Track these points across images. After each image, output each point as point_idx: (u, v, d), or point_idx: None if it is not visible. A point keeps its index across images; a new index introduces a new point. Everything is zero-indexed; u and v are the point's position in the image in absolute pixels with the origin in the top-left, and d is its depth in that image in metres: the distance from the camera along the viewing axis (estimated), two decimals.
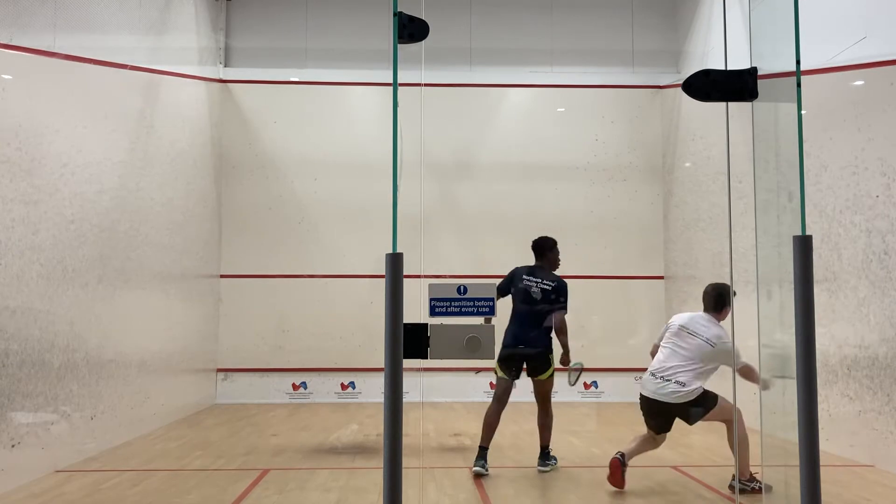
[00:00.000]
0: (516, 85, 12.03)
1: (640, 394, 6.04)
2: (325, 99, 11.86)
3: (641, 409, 6.04)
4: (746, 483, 5.72)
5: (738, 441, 5.54)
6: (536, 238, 7.13)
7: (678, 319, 6.20)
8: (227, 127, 11.65)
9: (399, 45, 2.56)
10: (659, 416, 5.92)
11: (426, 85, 10.73)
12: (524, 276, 6.88)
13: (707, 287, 6.25)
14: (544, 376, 6.83)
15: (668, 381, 5.87)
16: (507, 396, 6.82)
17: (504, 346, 6.78)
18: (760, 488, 5.51)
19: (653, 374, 5.98)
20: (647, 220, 11.86)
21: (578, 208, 11.79)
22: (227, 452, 7.50)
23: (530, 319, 6.73)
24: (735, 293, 5.58)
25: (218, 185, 11.42)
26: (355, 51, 11.72)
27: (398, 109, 2.64)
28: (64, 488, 6.00)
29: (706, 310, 6.15)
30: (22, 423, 6.12)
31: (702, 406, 5.84)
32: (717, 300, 6.12)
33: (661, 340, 6.20)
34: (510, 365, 6.74)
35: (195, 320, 10.56)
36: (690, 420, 5.91)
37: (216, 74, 11.53)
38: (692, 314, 6.22)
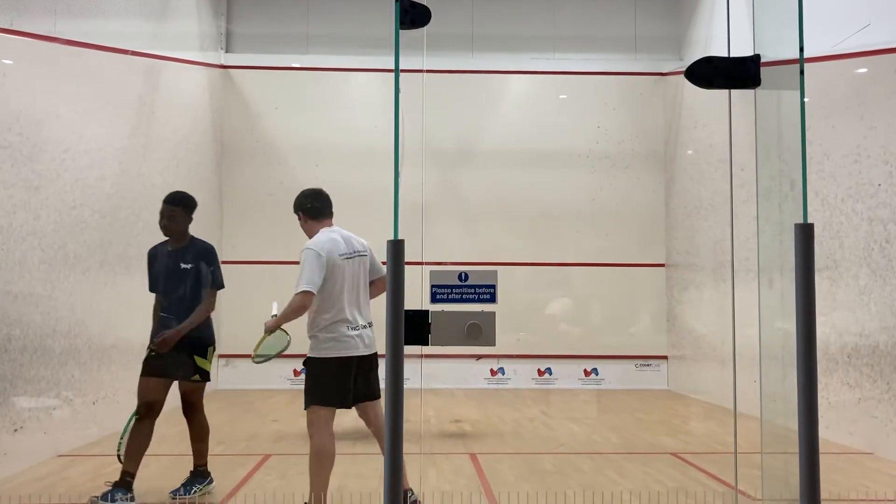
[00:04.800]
0: (518, 72, 11.99)
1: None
2: (327, 85, 11.82)
3: None
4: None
5: None
6: None
7: None
8: (228, 113, 11.62)
9: (401, 31, 2.55)
10: None
11: (428, 71, 10.70)
12: None
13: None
14: None
15: (366, 326, 4.85)
16: None
17: None
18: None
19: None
20: (649, 207, 11.84)
21: (580, 196, 11.77)
22: (229, 438, 7.53)
23: None
24: None
25: (219, 172, 11.41)
26: (357, 36, 11.68)
27: (400, 96, 2.64)
28: (66, 472, 6.03)
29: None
30: (24, 407, 6.15)
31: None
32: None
33: None
34: None
35: None
36: None
37: (217, 60, 11.49)
38: None
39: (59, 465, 6.24)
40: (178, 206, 5.51)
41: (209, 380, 5.52)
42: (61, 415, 6.72)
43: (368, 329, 4.80)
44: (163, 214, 5.48)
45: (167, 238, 5.51)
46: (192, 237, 5.60)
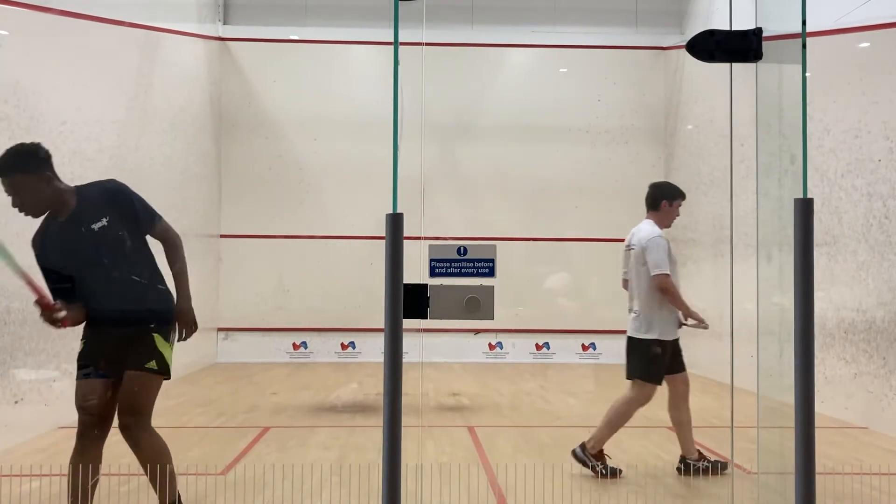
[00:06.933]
0: (518, 45, 11.90)
1: None
2: (326, 58, 11.74)
3: None
4: (695, 462, 5.30)
5: (679, 419, 5.34)
6: None
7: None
8: (226, 85, 11.55)
9: (400, 2, 2.52)
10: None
11: (427, 44, 10.62)
12: None
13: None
14: None
15: (630, 311, 5.28)
16: None
17: None
18: (709, 468, 5.21)
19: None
20: (648, 182, 11.75)
21: (580, 170, 11.74)
22: (228, 410, 7.57)
23: None
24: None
25: (217, 145, 11.36)
26: (355, 8, 11.57)
27: (399, 68, 2.62)
28: (67, 444, 6.02)
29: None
30: (24, 379, 6.17)
31: (632, 352, 5.25)
32: (650, 197, 5.65)
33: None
34: None
35: (195, 279, 10.42)
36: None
37: (215, 32, 11.40)
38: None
39: (59, 437, 6.27)
40: (16, 174, 3.63)
41: (169, 375, 3.81)
42: (61, 387, 6.75)
43: (631, 314, 5.28)
44: (8, 194, 3.66)
45: (45, 214, 3.77)
46: (77, 188, 3.80)
